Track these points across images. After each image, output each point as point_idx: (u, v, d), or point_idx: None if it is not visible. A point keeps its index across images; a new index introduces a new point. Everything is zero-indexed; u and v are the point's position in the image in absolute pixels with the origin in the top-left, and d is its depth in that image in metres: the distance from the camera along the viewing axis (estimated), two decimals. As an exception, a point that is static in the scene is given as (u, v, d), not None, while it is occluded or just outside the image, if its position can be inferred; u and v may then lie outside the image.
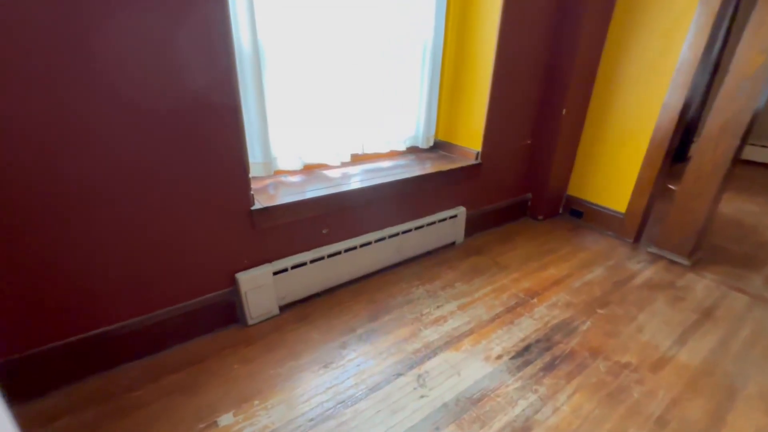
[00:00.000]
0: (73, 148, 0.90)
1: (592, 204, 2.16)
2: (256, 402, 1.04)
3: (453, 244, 1.91)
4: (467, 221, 1.93)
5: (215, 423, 0.98)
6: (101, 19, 0.85)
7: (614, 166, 2.03)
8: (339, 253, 1.47)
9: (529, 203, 2.25)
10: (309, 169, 1.58)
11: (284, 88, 1.37)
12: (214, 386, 1.08)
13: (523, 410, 1.05)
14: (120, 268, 1.06)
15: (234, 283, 1.28)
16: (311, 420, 1.00)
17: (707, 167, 1.67)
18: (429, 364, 1.19)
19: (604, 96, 1.99)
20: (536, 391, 1.12)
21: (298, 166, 1.50)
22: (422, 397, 1.08)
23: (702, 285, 1.67)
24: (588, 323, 1.40)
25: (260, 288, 1.30)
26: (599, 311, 1.47)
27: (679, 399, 1.11)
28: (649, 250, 1.93)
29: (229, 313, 1.30)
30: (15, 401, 1.00)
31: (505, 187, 2.09)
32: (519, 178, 2.13)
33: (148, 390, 1.06)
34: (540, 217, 2.22)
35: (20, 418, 0.97)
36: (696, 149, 1.70)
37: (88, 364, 1.08)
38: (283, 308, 1.40)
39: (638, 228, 1.99)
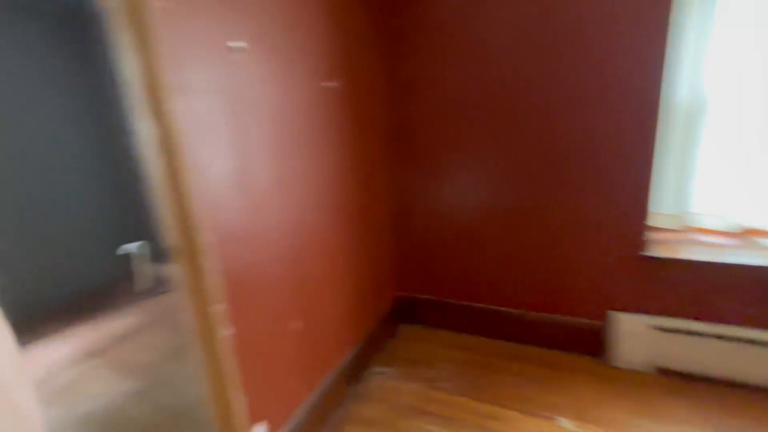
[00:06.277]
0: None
1: None
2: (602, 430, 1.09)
3: None
4: None
5: (555, 419, 1.14)
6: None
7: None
8: (751, 341, 1.14)
9: None
10: (738, 235, 1.32)
11: (719, 140, 1.25)
12: (560, 393, 1.23)
13: None
14: (531, 270, 1.43)
15: (604, 318, 1.34)
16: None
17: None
18: None
19: None
20: None
21: (721, 226, 1.30)
22: None
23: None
24: None
25: (633, 335, 1.28)
26: None
27: None
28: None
29: (591, 343, 1.38)
30: (436, 326, 1.62)
31: None
32: None
33: (510, 364, 1.38)
34: None
35: (437, 340, 1.55)
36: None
37: (483, 328, 1.55)
38: (661, 371, 1.28)
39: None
